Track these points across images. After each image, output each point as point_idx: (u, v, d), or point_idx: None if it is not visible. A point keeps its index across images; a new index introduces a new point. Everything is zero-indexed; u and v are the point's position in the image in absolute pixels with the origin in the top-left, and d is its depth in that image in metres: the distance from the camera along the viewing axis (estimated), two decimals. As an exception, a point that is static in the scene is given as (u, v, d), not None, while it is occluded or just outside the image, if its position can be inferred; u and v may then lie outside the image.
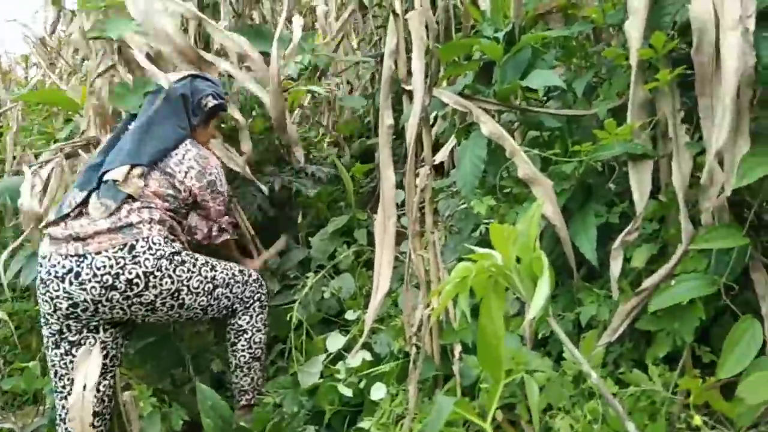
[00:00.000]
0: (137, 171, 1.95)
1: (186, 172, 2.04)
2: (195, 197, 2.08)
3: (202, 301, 2.03)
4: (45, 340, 1.98)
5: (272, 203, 2.83)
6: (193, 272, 1.98)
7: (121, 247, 1.83)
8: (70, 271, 1.82)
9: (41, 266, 1.89)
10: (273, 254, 2.64)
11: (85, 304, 1.84)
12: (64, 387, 1.97)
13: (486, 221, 1.67)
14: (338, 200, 3.05)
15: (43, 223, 2.24)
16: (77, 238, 1.84)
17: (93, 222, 1.86)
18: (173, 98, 2.13)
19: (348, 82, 3.63)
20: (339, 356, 2.10)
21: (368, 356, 1.94)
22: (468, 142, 1.61)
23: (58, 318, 1.90)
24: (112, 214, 1.87)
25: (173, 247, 1.94)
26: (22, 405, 2.61)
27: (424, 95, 1.66)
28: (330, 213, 2.95)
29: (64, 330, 1.92)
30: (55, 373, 1.99)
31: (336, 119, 3.58)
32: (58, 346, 1.95)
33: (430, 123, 1.83)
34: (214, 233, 2.23)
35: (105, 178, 1.93)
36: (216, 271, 2.08)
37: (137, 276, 1.83)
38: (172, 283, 1.91)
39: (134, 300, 1.86)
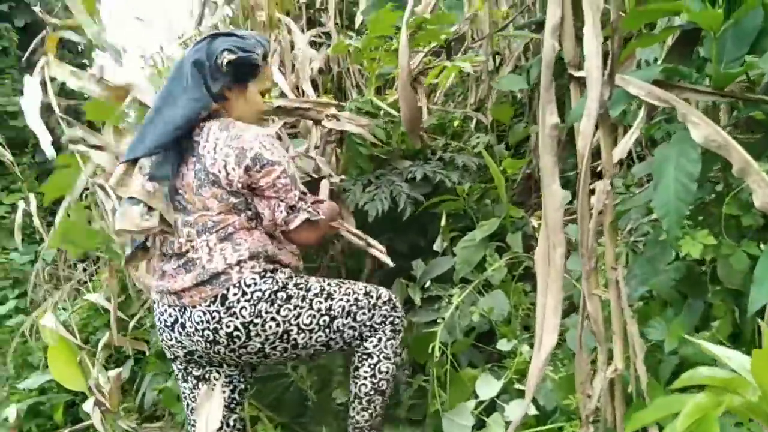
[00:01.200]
0: (150, 186, 1.65)
1: (224, 165, 1.64)
2: (248, 186, 1.68)
3: (320, 337, 1.73)
4: (175, 371, 1.87)
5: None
6: (302, 308, 1.68)
7: (213, 299, 1.61)
8: (176, 321, 1.67)
9: (156, 307, 1.75)
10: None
11: (198, 352, 1.70)
12: (195, 420, 1.84)
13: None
14: (485, 196, 2.65)
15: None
16: (170, 292, 1.67)
17: (176, 275, 1.66)
18: (185, 68, 1.72)
19: (497, 54, 3.13)
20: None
21: (532, 409, 1.57)
22: (670, 150, 1.15)
23: (180, 361, 1.77)
24: (186, 251, 1.65)
25: (274, 283, 1.66)
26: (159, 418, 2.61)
27: (603, 85, 1.21)
28: (478, 211, 2.57)
29: (189, 367, 1.79)
30: (187, 405, 1.87)
31: (483, 99, 3.14)
32: (185, 380, 1.82)
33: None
34: (280, 216, 1.70)
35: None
36: (333, 299, 1.75)
37: (236, 329, 1.61)
38: (278, 325, 1.64)
39: (241, 351, 1.64)
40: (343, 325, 1.76)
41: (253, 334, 1.62)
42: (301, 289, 1.71)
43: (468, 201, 2.58)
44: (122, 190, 1.72)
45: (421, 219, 2.59)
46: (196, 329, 1.62)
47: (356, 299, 1.80)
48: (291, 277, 1.72)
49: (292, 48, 4.31)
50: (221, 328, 1.60)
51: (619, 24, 1.17)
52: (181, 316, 1.65)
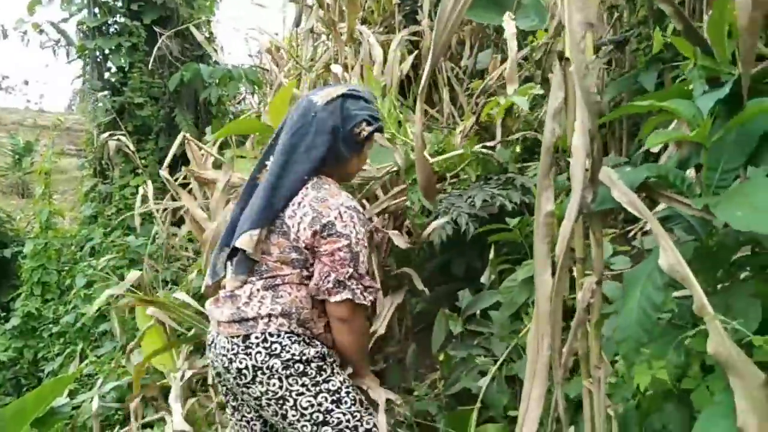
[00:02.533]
0: (262, 235, 1.71)
1: (299, 222, 1.68)
2: (311, 248, 1.69)
3: (305, 427, 1.68)
4: None
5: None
6: (308, 392, 1.67)
7: (237, 335, 1.71)
8: (212, 341, 1.81)
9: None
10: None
11: (217, 377, 1.83)
12: None
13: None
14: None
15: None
16: (214, 317, 1.80)
17: (222, 304, 1.77)
18: (318, 130, 1.74)
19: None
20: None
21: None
22: (640, 272, 1.09)
23: (221, 383, 1.89)
24: (237, 286, 1.75)
25: (300, 351, 1.68)
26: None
27: (585, 187, 1.17)
28: (529, 248, 2.51)
29: (227, 393, 1.90)
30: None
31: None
32: (226, 406, 1.95)
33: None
34: (324, 285, 1.68)
35: (235, 244, 1.73)
36: (339, 407, 1.68)
37: (246, 367, 1.68)
38: (279, 388, 1.67)
39: (244, 389, 1.72)
40: None
41: (257, 380, 1.68)
42: (320, 375, 1.70)
43: (523, 231, 2.53)
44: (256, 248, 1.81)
45: (481, 241, 2.58)
46: (219, 354, 1.74)
47: (356, 427, 1.71)
48: (319, 358, 1.71)
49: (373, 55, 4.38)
50: (234, 362, 1.70)
51: (597, 131, 1.11)
52: (216, 338, 1.78)
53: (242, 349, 1.69)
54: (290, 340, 1.69)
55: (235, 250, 1.75)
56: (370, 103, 1.85)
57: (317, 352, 1.72)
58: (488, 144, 3.03)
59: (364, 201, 2.72)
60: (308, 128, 1.76)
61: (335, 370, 1.75)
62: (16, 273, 6.04)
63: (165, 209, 4.90)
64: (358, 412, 1.72)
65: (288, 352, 1.68)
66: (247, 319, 1.70)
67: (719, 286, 1.18)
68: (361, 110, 1.80)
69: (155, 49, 5.58)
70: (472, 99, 3.94)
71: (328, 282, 1.68)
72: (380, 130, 1.88)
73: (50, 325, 5.13)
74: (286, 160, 1.75)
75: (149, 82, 5.87)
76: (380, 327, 2.46)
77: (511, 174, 2.77)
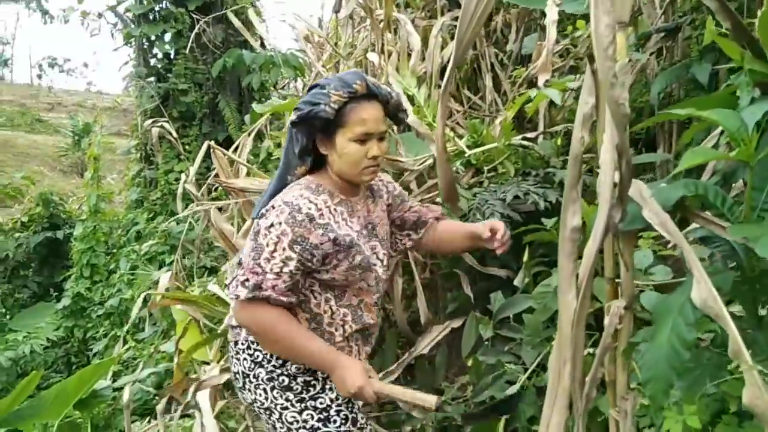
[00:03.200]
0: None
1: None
2: None
3: None
4: None
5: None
6: (293, 407, 1.60)
7: (231, 341, 1.70)
8: None
9: None
10: (401, 397, 1.62)
11: None
12: None
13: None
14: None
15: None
16: None
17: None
18: (290, 130, 1.66)
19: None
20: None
21: None
22: (671, 302, 0.99)
23: None
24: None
25: (278, 363, 1.60)
26: None
27: (613, 206, 1.07)
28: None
29: None
30: None
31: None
32: None
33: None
34: (231, 285, 1.56)
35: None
36: (327, 426, 1.59)
37: (237, 373, 1.67)
38: (266, 399, 1.61)
39: (242, 393, 1.70)
40: None
41: (246, 387, 1.65)
42: (307, 391, 1.62)
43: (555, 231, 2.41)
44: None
45: (517, 240, 2.47)
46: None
47: None
48: (307, 373, 1.62)
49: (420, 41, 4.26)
50: (231, 365, 1.71)
51: (626, 146, 1.01)
52: None
53: (233, 355, 1.69)
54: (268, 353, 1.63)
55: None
56: (322, 88, 1.57)
57: (300, 366, 1.62)
58: (529, 135, 2.90)
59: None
60: (290, 130, 1.66)
61: (327, 386, 1.64)
62: (67, 254, 6.24)
63: (206, 194, 4.96)
64: (348, 431, 1.62)
65: (270, 362, 1.62)
66: (233, 326, 1.69)
67: (764, 317, 1.06)
68: (304, 97, 1.61)
69: (193, 34, 5.62)
70: (515, 87, 3.79)
71: (234, 282, 1.55)
72: (314, 115, 1.54)
73: (97, 307, 5.29)
74: (283, 164, 1.70)
75: (193, 68, 5.90)
76: (425, 348, 2.43)
77: (551, 169, 2.64)
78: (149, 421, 2.65)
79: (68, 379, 3.43)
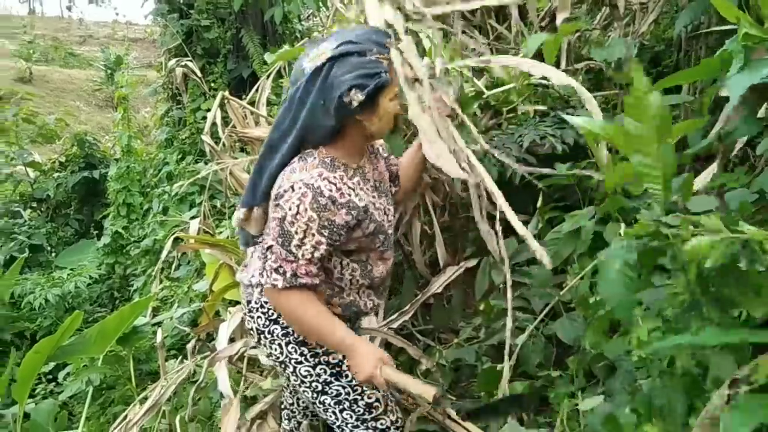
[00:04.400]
0: (257, 212, 1.66)
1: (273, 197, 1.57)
2: None
3: (306, 393, 1.71)
4: None
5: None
6: (307, 361, 1.68)
7: (244, 299, 1.76)
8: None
9: None
10: (405, 387, 1.58)
11: None
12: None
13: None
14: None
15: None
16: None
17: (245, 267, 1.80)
18: (300, 104, 1.56)
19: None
20: None
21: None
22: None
23: None
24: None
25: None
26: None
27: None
28: (582, 194, 2.36)
29: None
30: None
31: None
32: None
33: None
34: (254, 272, 1.67)
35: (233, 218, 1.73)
36: (339, 380, 1.67)
37: (251, 329, 1.74)
38: (280, 353, 1.68)
39: (259, 347, 1.81)
40: (328, 406, 1.70)
41: (262, 342, 1.73)
42: (320, 346, 1.67)
43: (577, 176, 2.38)
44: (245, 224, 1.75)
45: (533, 184, 2.46)
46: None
47: (355, 400, 1.68)
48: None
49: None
50: (247, 322, 1.77)
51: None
52: None
53: (247, 312, 1.74)
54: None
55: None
56: (363, 56, 1.51)
57: None
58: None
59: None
60: (293, 102, 1.58)
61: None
62: (105, 193, 6.45)
63: (231, 135, 5.01)
64: (359, 386, 1.68)
65: (281, 320, 1.68)
66: (246, 285, 1.73)
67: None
68: (348, 74, 1.50)
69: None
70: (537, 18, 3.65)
71: (264, 269, 1.58)
72: (382, 85, 1.52)
73: (135, 244, 5.51)
74: (273, 138, 1.62)
75: (215, 2, 5.83)
76: (439, 288, 2.49)
77: (570, 109, 2.58)
78: (182, 360, 2.81)
79: (109, 316, 3.64)
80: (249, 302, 1.73)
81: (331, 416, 1.71)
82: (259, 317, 1.70)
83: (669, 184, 1.02)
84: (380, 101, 1.56)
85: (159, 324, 3.76)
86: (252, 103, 4.62)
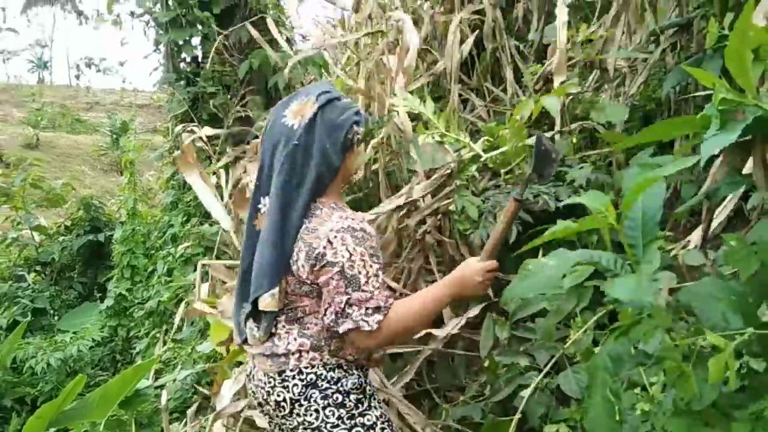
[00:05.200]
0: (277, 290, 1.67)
1: (297, 260, 1.64)
2: (314, 282, 1.64)
3: None
4: None
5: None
6: (344, 424, 1.65)
7: (271, 370, 1.71)
8: (250, 373, 1.82)
9: None
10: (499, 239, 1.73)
11: (258, 407, 1.83)
12: None
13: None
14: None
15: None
16: (245, 343, 1.81)
17: (254, 337, 1.75)
18: (306, 158, 1.64)
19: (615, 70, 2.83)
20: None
21: None
22: (598, 359, 1.04)
23: None
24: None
25: (333, 379, 1.67)
26: None
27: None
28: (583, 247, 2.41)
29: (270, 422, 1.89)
30: None
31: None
32: None
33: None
34: (327, 318, 1.62)
35: (259, 307, 1.67)
36: (374, 427, 1.67)
37: (284, 400, 1.69)
38: (316, 419, 1.65)
39: (282, 420, 1.73)
40: None
41: (295, 412, 1.68)
42: (357, 408, 1.68)
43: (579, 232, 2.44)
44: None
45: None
46: (258, 386, 1.76)
47: None
48: (358, 390, 1.69)
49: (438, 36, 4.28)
50: (272, 394, 1.71)
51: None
52: (253, 370, 1.80)
53: (279, 383, 1.69)
54: (326, 369, 1.68)
55: (255, 309, 1.70)
56: (342, 98, 1.71)
57: (354, 383, 1.70)
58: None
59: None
60: (295, 159, 1.64)
61: (373, 404, 1.72)
62: (109, 255, 6.50)
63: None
64: None
65: (325, 380, 1.67)
66: (279, 355, 1.69)
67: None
68: (343, 114, 1.68)
69: (219, 38, 5.76)
70: (533, 82, 3.79)
71: (330, 314, 1.62)
72: (362, 121, 1.73)
73: (139, 307, 5.51)
74: (283, 203, 1.66)
75: (221, 70, 6.03)
76: (440, 343, 2.50)
77: (564, 168, 2.67)
78: (185, 423, 2.78)
79: (112, 380, 3.60)
80: (282, 372, 1.69)
81: None
82: (294, 385, 1.67)
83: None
84: (353, 152, 1.74)
85: (162, 387, 3.74)
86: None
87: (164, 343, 4.30)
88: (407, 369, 2.52)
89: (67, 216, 7.36)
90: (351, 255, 1.59)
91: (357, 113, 1.71)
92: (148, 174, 13.23)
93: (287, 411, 1.70)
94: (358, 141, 1.73)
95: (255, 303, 1.69)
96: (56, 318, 6.39)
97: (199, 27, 6.01)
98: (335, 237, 1.59)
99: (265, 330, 1.71)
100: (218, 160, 5.88)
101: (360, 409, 1.68)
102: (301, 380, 1.67)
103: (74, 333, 5.57)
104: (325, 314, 1.63)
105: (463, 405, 2.39)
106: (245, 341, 1.80)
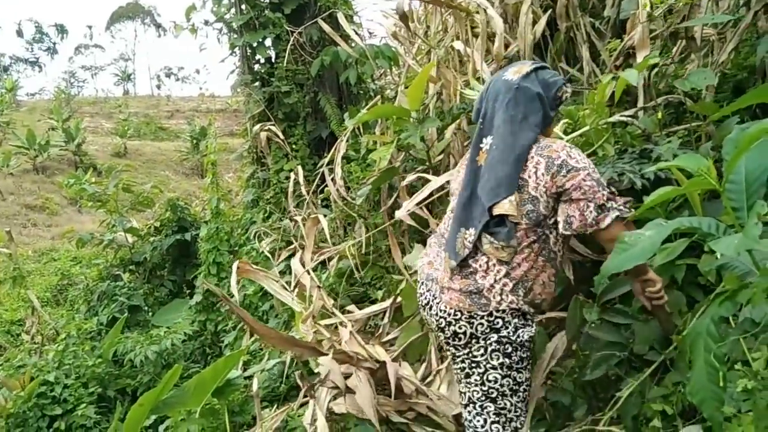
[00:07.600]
0: (515, 199, 1.88)
1: (535, 172, 1.89)
2: (553, 192, 1.88)
3: (476, 392, 1.91)
4: None
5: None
6: (501, 371, 1.87)
7: (463, 308, 1.86)
8: (428, 303, 1.98)
9: (419, 285, 2.09)
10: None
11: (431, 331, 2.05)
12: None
13: None
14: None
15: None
16: (435, 281, 1.96)
17: (447, 271, 1.91)
18: (527, 99, 1.97)
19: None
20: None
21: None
22: (698, 326, 0.98)
23: (435, 335, 2.19)
24: (468, 257, 1.88)
25: (512, 330, 1.86)
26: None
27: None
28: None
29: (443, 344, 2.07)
30: None
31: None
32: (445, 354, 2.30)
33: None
34: (590, 215, 1.83)
35: (495, 212, 1.87)
36: (512, 397, 1.89)
37: (464, 333, 1.87)
38: (482, 356, 1.86)
39: (452, 348, 1.92)
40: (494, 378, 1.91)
41: (468, 345, 1.88)
42: (519, 363, 1.89)
43: (667, 207, 2.34)
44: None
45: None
46: (438, 316, 1.92)
47: (511, 419, 1.91)
48: (527, 347, 1.91)
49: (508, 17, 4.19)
50: (454, 325, 1.88)
51: None
52: (432, 301, 1.96)
53: (465, 317, 1.86)
54: (512, 316, 1.85)
55: (486, 224, 1.88)
56: (546, 70, 2.06)
57: (529, 336, 1.89)
58: (626, 113, 2.80)
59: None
60: (518, 99, 1.97)
61: (528, 366, 1.92)
62: (196, 254, 6.79)
63: (314, 192, 5.21)
64: (520, 409, 1.92)
65: (507, 329, 1.85)
66: (479, 293, 1.84)
67: None
68: (555, 76, 2.05)
69: (292, 38, 5.89)
70: (612, 58, 3.65)
71: (591, 211, 1.83)
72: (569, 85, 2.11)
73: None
74: (511, 130, 1.94)
75: (294, 69, 6.16)
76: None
77: (647, 146, 2.55)
78: (276, 407, 2.88)
79: (204, 370, 3.78)
80: (474, 312, 1.85)
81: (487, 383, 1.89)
82: (480, 324, 1.85)
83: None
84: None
85: (251, 376, 3.88)
86: (331, 161, 4.83)
87: (251, 335, 4.45)
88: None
89: (156, 218, 7.74)
90: (589, 164, 1.89)
91: (562, 79, 2.05)
92: (227, 176, 13.73)
93: (462, 342, 1.88)
94: (565, 100, 2.06)
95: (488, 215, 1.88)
96: (150, 314, 6.73)
97: (271, 28, 6.16)
98: (571, 149, 1.92)
99: (506, 235, 1.85)
100: (295, 157, 6.04)
101: (519, 366, 1.88)
102: (489, 321, 1.84)
103: (167, 328, 5.84)
104: (584, 213, 1.83)
105: (555, 386, 2.34)
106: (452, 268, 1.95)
